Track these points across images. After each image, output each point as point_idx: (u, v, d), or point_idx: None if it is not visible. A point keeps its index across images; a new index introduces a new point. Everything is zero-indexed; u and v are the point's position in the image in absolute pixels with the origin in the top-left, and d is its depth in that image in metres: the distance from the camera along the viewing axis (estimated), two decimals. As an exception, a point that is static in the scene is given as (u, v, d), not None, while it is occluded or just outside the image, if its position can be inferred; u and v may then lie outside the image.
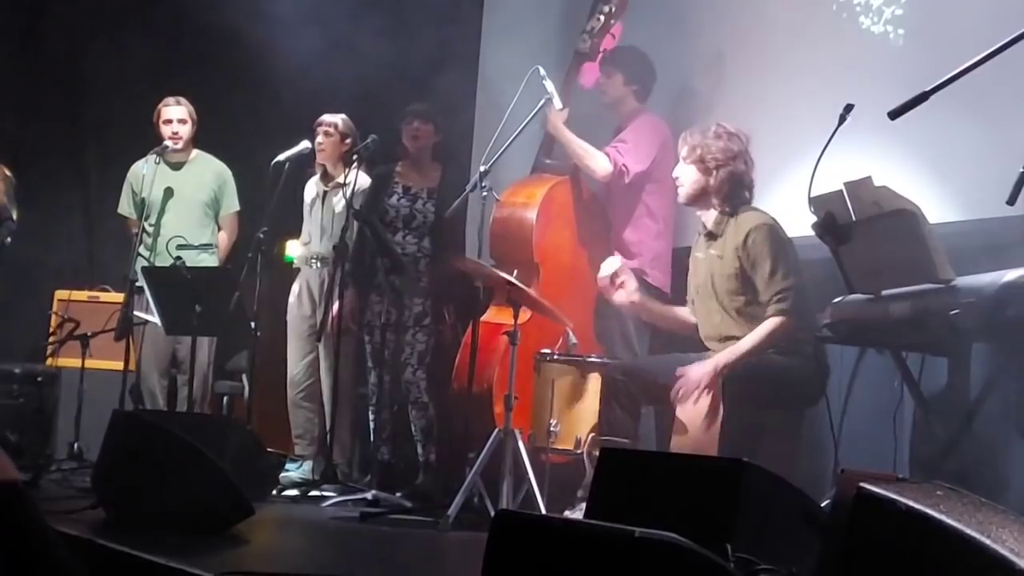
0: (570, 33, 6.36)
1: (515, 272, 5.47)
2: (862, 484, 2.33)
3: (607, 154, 5.93)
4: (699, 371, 4.85)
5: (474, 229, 5.93)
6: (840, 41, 5.50)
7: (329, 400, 6.46)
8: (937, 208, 4.42)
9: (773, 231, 4.91)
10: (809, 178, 3.84)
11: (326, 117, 6.77)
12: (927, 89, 3.10)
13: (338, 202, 6.62)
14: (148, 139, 7.02)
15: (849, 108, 3.96)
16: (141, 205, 6.88)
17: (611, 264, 5.33)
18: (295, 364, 6.83)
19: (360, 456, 6.80)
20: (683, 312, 5.27)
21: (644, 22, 6.31)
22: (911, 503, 2.26)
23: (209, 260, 6.89)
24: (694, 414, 4.90)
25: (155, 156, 6.85)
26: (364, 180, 6.66)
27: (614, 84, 6.11)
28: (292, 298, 6.88)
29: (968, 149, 4.77)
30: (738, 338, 4.93)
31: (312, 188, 6.90)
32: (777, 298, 4.84)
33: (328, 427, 6.42)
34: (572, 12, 6.50)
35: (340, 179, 6.65)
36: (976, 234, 4.42)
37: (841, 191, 3.80)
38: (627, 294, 5.26)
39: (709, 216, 5.09)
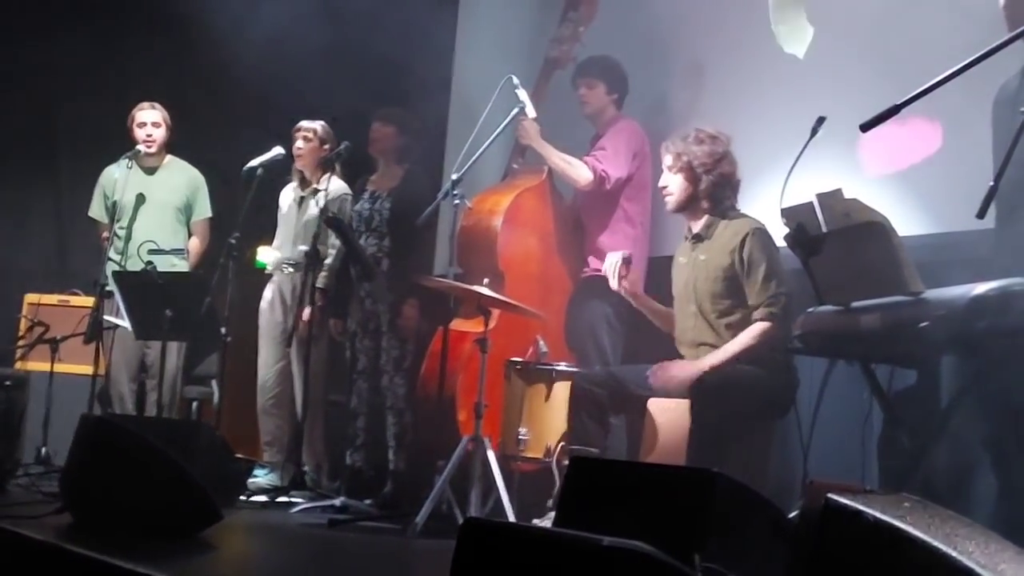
0: (543, 41, 6.38)
1: (485, 280, 5.47)
2: (829, 495, 2.34)
3: (586, 162, 5.93)
4: (685, 371, 4.84)
5: (446, 237, 5.93)
6: (815, 53, 5.52)
7: (300, 406, 6.45)
8: (907, 221, 4.44)
9: (768, 236, 4.92)
10: (781, 190, 3.85)
11: (304, 123, 6.78)
12: (898, 102, 3.11)
13: (313, 208, 6.62)
14: (121, 143, 7.01)
15: (821, 121, 3.98)
16: (112, 209, 6.86)
17: (616, 254, 5.34)
18: (266, 370, 6.81)
19: (329, 463, 6.78)
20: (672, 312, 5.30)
21: (619, 32, 6.33)
22: (878, 514, 2.27)
23: (180, 265, 6.87)
24: (664, 423, 4.91)
25: (128, 160, 6.85)
26: (338, 186, 6.66)
27: (597, 94, 6.11)
28: (264, 303, 6.87)
29: (938, 162, 4.80)
30: (711, 345, 4.95)
31: (289, 194, 6.91)
32: (769, 302, 4.84)
33: (298, 433, 6.42)
34: (544, 20, 6.52)
35: (317, 185, 6.66)
36: (946, 247, 4.44)
37: (812, 203, 3.81)
38: (631, 283, 5.28)
39: (698, 220, 5.11)
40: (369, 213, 6.55)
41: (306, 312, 6.40)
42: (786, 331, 4.74)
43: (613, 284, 5.30)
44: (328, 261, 6.59)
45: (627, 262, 5.29)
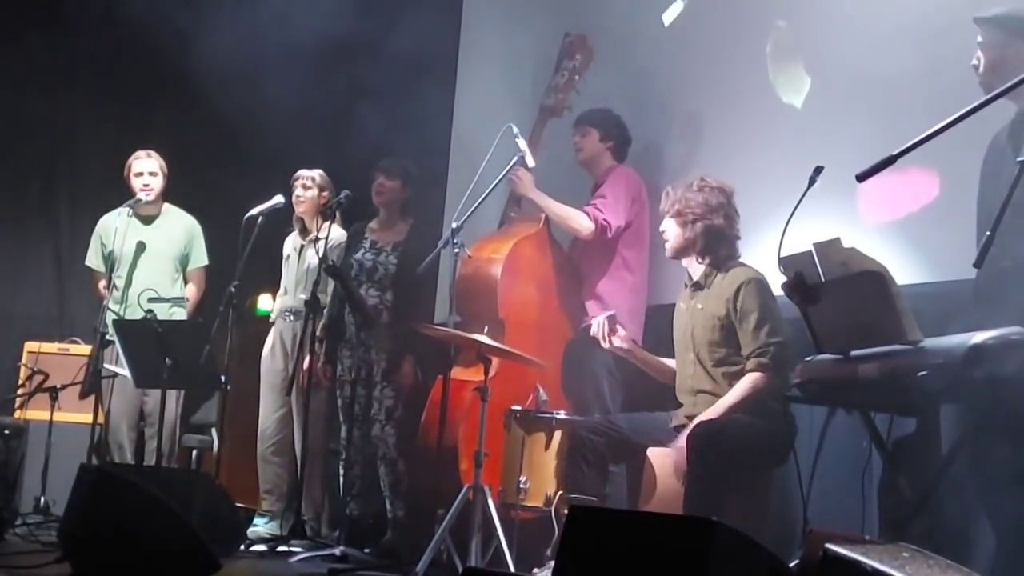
0: (542, 89, 6.41)
1: (485, 329, 5.47)
2: (828, 545, 2.34)
3: (587, 212, 5.94)
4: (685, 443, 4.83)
5: (446, 286, 5.94)
6: (814, 103, 5.55)
7: (299, 455, 6.45)
8: (905, 270, 4.45)
9: (763, 286, 4.94)
10: (779, 239, 3.87)
11: (303, 171, 6.81)
12: (894, 152, 3.13)
13: (313, 256, 6.63)
14: (119, 192, 7.03)
15: (819, 170, 4.00)
16: (109, 258, 6.88)
17: (600, 316, 5.38)
18: (267, 417, 6.80)
19: (329, 511, 6.76)
20: (671, 363, 5.30)
21: (616, 82, 6.37)
22: (876, 564, 2.27)
23: (180, 314, 6.88)
24: (663, 472, 4.90)
25: (127, 209, 6.86)
26: (338, 234, 6.69)
27: (590, 141, 6.12)
28: (266, 351, 6.87)
29: (936, 211, 4.81)
30: (709, 392, 4.96)
31: (290, 242, 6.92)
32: (759, 352, 4.86)
33: (298, 482, 6.41)
34: (544, 68, 6.56)
35: (316, 233, 6.67)
36: (944, 296, 4.45)
37: (810, 252, 3.82)
38: (621, 339, 5.30)
39: (696, 268, 5.13)
40: (372, 264, 6.56)
41: (306, 360, 6.39)
42: (779, 380, 4.76)
43: (604, 344, 5.33)
44: (326, 309, 6.59)
45: (612, 320, 5.32)
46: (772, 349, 4.84)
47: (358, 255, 6.61)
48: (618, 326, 5.34)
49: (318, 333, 6.50)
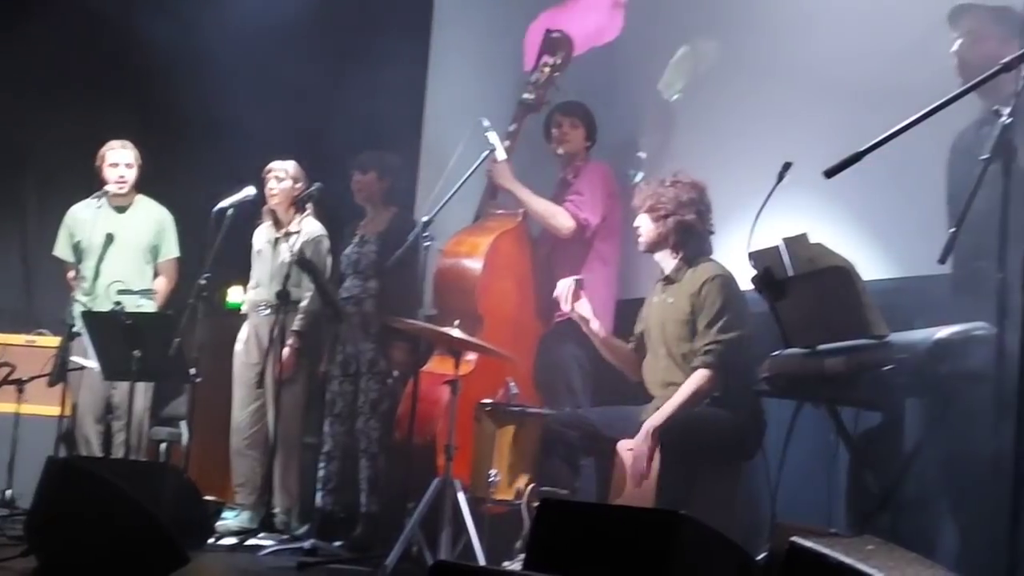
0: (513, 83, 6.39)
1: (456, 322, 5.46)
2: (794, 538, 2.36)
3: (567, 209, 5.93)
4: (638, 447, 4.84)
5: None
6: (783, 99, 5.57)
7: (272, 448, 6.43)
8: (871, 265, 4.48)
9: (728, 283, 4.97)
10: (748, 234, 3.89)
11: (276, 163, 6.75)
12: (861, 149, 3.15)
13: (286, 249, 6.59)
14: (88, 182, 6.98)
15: (787, 166, 4.02)
16: (78, 249, 6.83)
17: (566, 281, 5.37)
18: (240, 411, 6.76)
19: (300, 505, 6.74)
20: (626, 345, 5.32)
21: (590, 74, 6.36)
22: (842, 557, 2.29)
23: (149, 306, 6.84)
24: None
25: (97, 200, 6.81)
26: (314, 227, 6.65)
27: (577, 136, 6.08)
28: (239, 345, 6.82)
29: (901, 208, 4.84)
30: (679, 385, 4.97)
31: (262, 234, 6.86)
32: (706, 349, 4.89)
33: (269, 475, 6.38)
34: (516, 62, 6.55)
35: (290, 227, 6.64)
36: (909, 291, 4.48)
37: (778, 247, 3.84)
38: (583, 309, 5.30)
39: (668, 263, 5.16)
40: (356, 256, 6.54)
41: (285, 351, 6.37)
42: (727, 378, 4.79)
43: (564, 307, 5.33)
44: (303, 304, 6.56)
45: (579, 284, 5.32)
46: (718, 347, 4.87)
47: (347, 250, 6.60)
48: (582, 293, 5.34)
49: (294, 328, 6.48)
